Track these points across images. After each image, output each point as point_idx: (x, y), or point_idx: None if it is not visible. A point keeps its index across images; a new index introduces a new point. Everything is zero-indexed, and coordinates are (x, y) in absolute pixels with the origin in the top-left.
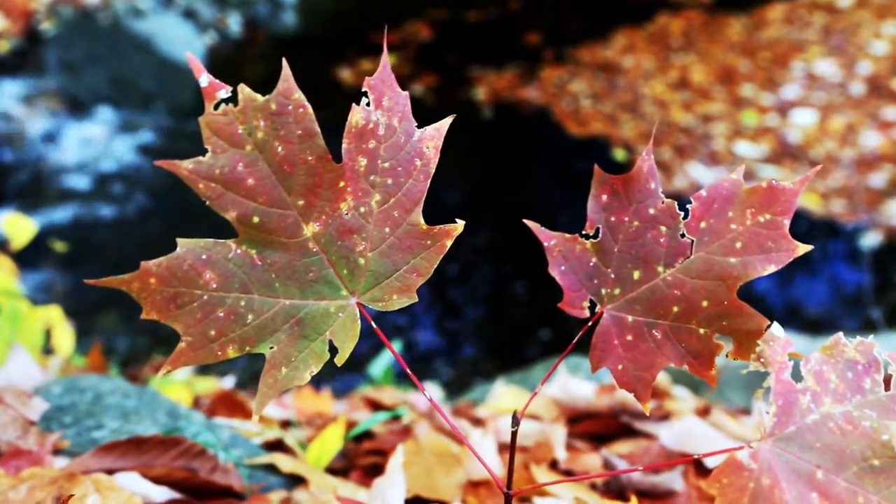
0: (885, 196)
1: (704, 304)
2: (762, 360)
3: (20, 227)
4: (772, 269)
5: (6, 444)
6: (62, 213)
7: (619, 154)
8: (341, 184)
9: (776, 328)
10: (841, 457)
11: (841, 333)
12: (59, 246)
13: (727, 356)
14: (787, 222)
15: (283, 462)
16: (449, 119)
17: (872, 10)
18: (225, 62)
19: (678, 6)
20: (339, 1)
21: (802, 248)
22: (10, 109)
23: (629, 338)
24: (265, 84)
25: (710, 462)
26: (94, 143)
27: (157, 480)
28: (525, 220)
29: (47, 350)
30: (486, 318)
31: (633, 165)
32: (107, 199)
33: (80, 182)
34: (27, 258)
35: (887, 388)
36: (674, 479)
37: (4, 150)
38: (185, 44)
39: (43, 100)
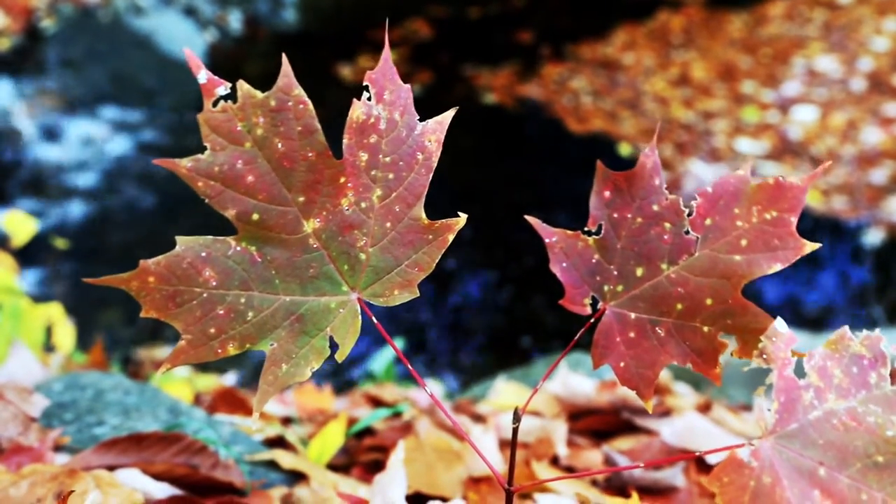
0: (887, 192)
1: (708, 301)
2: (765, 356)
3: (21, 224)
4: (778, 267)
5: (7, 441)
6: (63, 211)
7: (624, 149)
8: (342, 179)
9: (780, 323)
10: (844, 453)
11: (846, 327)
12: (60, 243)
13: (731, 355)
14: (794, 220)
15: (284, 458)
16: (451, 112)
17: (873, 7)
18: (225, 59)
19: (678, 3)
20: None
21: (809, 247)
22: (11, 107)
23: (632, 335)
24: (265, 81)
25: (711, 458)
26: (94, 141)
27: (157, 477)
28: (527, 217)
29: (48, 347)
30: (487, 313)
31: (636, 161)
32: (108, 196)
33: (81, 179)
34: (28, 255)
35: (894, 382)
36: (675, 476)
37: (5, 147)
38: (185, 41)
39: (43, 97)
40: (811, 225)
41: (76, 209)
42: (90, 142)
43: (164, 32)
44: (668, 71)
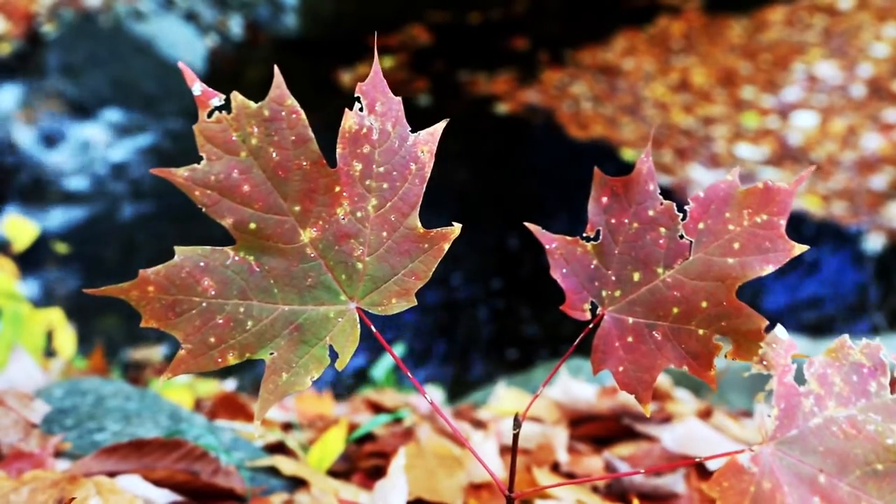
0: (886, 198)
1: (704, 304)
2: (765, 362)
3: (22, 229)
4: (770, 268)
5: (8, 447)
6: (64, 215)
7: (628, 154)
8: (337, 189)
9: (780, 330)
10: (844, 461)
11: (846, 336)
12: (61, 248)
13: (726, 356)
14: (783, 222)
15: (285, 464)
16: (443, 123)
17: (873, 13)
18: (226, 65)
19: (678, 9)
20: (340, 4)
21: (799, 248)
22: (12, 112)
23: (630, 339)
24: (265, 86)
25: (711, 464)
26: (95, 146)
27: (158, 483)
28: (527, 224)
29: (49, 352)
30: (487, 320)
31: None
32: (108, 201)
33: (82, 184)
34: (29, 260)
35: (893, 391)
36: (675, 482)
37: (5, 152)
38: (186, 46)
39: (44, 102)
40: (812, 231)
41: (77, 214)
42: (91, 147)
43: (164, 38)
44: (669, 76)
